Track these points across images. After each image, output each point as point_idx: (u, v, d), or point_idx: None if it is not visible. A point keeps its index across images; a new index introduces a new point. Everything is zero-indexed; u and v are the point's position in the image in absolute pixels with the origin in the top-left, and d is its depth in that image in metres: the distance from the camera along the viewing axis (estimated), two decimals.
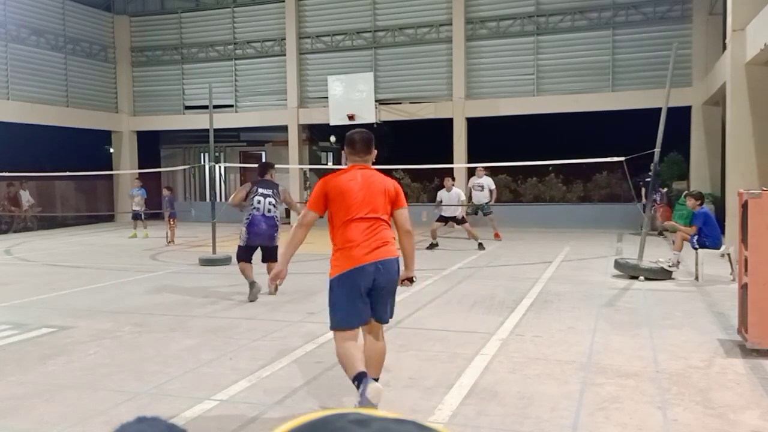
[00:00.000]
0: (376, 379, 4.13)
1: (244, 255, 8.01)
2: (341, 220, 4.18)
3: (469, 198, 15.00)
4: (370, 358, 4.20)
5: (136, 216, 16.46)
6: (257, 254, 8.16)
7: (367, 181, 4.28)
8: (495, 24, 18.13)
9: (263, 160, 8.90)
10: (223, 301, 7.86)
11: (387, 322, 4.32)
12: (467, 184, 15.61)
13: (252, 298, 7.80)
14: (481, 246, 12.74)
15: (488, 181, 14.90)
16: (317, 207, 4.25)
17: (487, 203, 14.77)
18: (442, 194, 13.51)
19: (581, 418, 4.00)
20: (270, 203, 7.89)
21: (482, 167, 15.12)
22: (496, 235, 14.65)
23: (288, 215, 15.54)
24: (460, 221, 13.37)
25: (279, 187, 8.14)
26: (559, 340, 5.82)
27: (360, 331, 4.24)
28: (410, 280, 4.44)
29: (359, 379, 3.97)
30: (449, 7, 18.31)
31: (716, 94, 14.12)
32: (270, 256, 8.04)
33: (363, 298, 4.11)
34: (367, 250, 4.13)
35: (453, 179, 14.14)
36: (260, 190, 7.96)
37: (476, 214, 15.27)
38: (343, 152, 4.91)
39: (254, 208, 7.90)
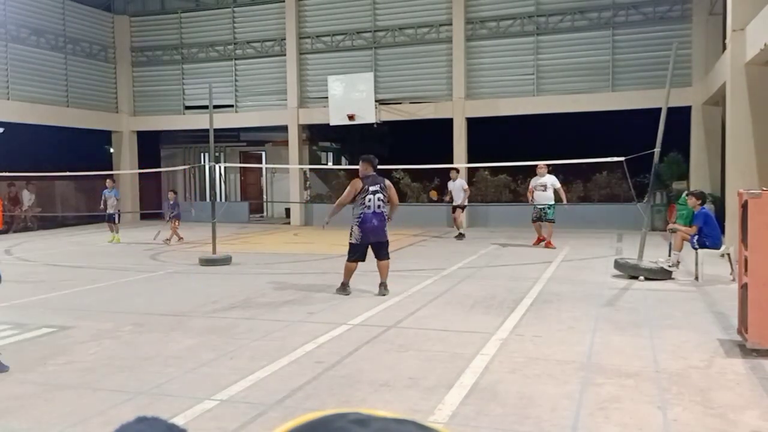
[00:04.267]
0: None
1: (356, 254, 8.01)
2: None
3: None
4: None
5: (110, 218, 15.20)
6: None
7: None
8: (495, 24, 18.12)
9: (366, 155, 8.30)
10: (223, 301, 7.86)
11: None
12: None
13: (344, 294, 7.94)
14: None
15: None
16: None
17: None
18: None
19: (581, 418, 4.00)
20: (379, 199, 7.89)
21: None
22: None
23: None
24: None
25: (385, 182, 8.06)
26: (559, 340, 5.82)
27: None
28: None
29: None
30: (449, 7, 18.30)
31: (716, 94, 14.11)
32: (384, 254, 8.06)
33: None
34: None
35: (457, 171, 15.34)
36: (370, 188, 7.92)
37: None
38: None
39: (365, 206, 7.87)
